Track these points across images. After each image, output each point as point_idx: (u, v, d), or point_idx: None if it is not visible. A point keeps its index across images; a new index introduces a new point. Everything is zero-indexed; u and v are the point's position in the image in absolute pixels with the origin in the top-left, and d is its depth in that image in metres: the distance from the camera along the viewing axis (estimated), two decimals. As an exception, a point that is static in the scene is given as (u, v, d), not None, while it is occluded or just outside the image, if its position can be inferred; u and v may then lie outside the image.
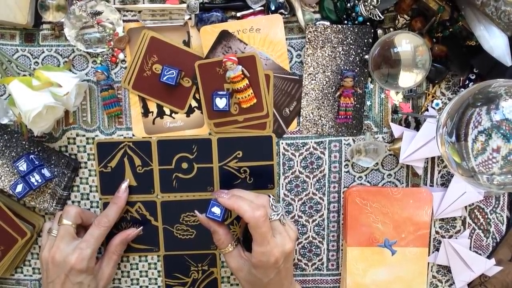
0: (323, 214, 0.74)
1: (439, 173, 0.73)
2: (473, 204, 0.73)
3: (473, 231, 0.74)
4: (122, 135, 0.72)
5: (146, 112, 0.72)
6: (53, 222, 0.69)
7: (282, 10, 0.68)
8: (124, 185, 0.71)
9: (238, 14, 0.68)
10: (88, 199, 0.73)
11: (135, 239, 0.73)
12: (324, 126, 0.72)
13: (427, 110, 0.71)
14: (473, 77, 0.70)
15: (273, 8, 0.67)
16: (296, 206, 0.74)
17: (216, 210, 0.66)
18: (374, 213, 0.71)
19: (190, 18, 0.69)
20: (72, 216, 0.67)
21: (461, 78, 0.71)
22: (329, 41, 0.69)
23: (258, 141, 0.71)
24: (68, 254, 0.65)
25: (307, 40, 0.69)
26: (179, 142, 0.72)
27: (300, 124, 0.72)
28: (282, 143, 0.72)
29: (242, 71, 0.68)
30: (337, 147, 0.72)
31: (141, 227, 0.73)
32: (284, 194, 0.73)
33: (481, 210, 0.74)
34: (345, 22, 0.68)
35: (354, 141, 0.72)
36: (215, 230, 0.66)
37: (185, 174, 0.72)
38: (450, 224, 0.74)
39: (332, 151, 0.72)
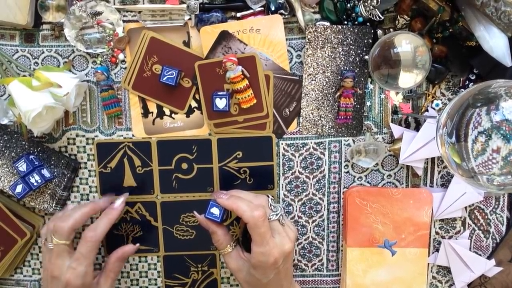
0: (323, 215, 0.74)
1: (439, 173, 0.73)
2: (473, 204, 0.73)
3: (473, 232, 0.74)
4: (122, 135, 0.72)
5: (146, 112, 0.72)
6: (47, 233, 0.66)
7: (282, 11, 0.68)
8: (121, 199, 0.69)
9: (238, 15, 0.68)
10: (87, 199, 0.73)
11: (135, 240, 0.73)
12: (324, 127, 0.72)
13: (427, 110, 0.71)
14: (473, 78, 0.70)
15: (273, 9, 0.67)
16: (296, 206, 0.74)
17: (215, 210, 0.66)
18: (374, 214, 0.71)
19: (190, 19, 0.69)
20: (64, 236, 0.64)
21: (461, 79, 0.71)
22: (329, 42, 0.69)
23: (258, 141, 0.71)
24: (63, 272, 0.63)
25: (307, 40, 0.69)
26: (179, 143, 0.72)
27: (300, 125, 0.72)
28: (282, 144, 0.72)
29: (242, 71, 0.68)
30: (337, 147, 0.72)
31: (138, 244, 0.71)
32: (284, 195, 0.73)
33: (481, 210, 0.74)
34: (345, 22, 0.68)
35: (354, 141, 0.72)
36: (214, 231, 0.66)
37: (185, 174, 0.72)
38: (450, 225, 0.74)
39: (332, 151, 0.72)
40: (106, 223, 0.66)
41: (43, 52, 0.70)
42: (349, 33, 0.68)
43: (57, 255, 0.64)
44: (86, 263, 0.64)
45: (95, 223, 0.66)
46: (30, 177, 0.67)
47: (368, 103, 0.71)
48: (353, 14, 0.67)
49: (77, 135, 0.72)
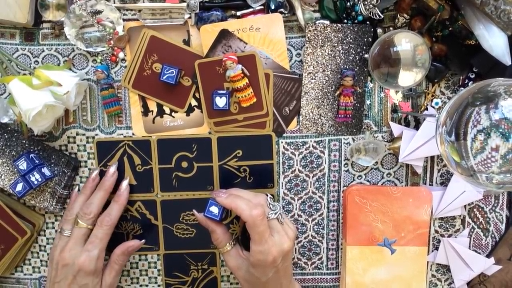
0: (322, 213, 0.74)
1: (438, 172, 0.73)
2: (472, 203, 0.73)
3: (472, 230, 0.74)
4: (122, 134, 0.72)
5: (146, 111, 0.72)
6: (64, 221, 0.68)
7: (282, 9, 0.68)
8: (124, 183, 0.71)
9: (238, 13, 0.69)
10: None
11: (135, 238, 0.73)
12: (324, 125, 0.72)
13: (426, 109, 0.71)
14: (472, 76, 0.70)
15: (273, 7, 0.67)
16: (296, 205, 0.74)
17: (214, 209, 0.66)
18: (374, 212, 0.71)
19: (190, 17, 0.69)
20: (90, 221, 0.67)
21: (461, 77, 0.71)
22: (329, 40, 0.69)
23: (258, 140, 0.72)
24: (77, 256, 0.65)
25: (307, 39, 0.69)
26: (179, 141, 0.72)
27: (300, 123, 0.72)
28: (282, 142, 0.72)
29: (242, 70, 0.68)
30: (337, 146, 0.72)
31: (143, 240, 0.72)
32: (284, 193, 0.73)
33: (480, 209, 0.74)
34: (345, 21, 0.68)
35: (353, 140, 0.72)
36: (213, 229, 0.66)
37: (185, 173, 0.72)
38: (450, 223, 0.74)
39: (331, 150, 0.72)
40: (118, 208, 0.69)
41: (43, 51, 0.70)
42: (349, 31, 0.68)
43: (75, 241, 0.66)
44: (100, 247, 0.66)
45: (108, 209, 0.69)
46: (31, 176, 0.68)
47: (368, 102, 0.72)
48: (353, 13, 0.67)
49: (77, 134, 0.72)
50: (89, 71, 0.71)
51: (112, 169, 0.70)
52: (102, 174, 0.71)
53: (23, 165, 0.68)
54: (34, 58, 0.70)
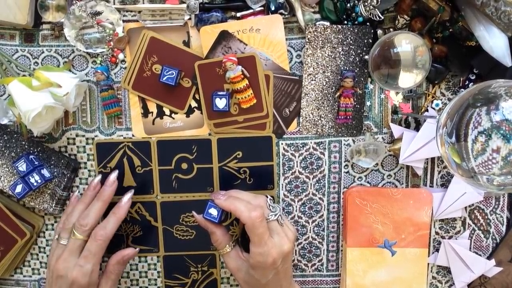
0: (323, 215, 0.74)
1: (439, 173, 0.73)
2: (473, 204, 0.73)
3: (473, 232, 0.74)
4: (122, 135, 0.72)
5: (146, 112, 0.72)
6: (62, 228, 0.66)
7: (282, 11, 0.68)
8: (126, 197, 0.69)
9: (238, 14, 0.68)
10: (87, 199, 0.73)
11: (135, 240, 0.73)
12: (324, 127, 0.72)
13: (427, 110, 0.71)
14: (473, 78, 0.70)
15: (273, 8, 0.67)
16: (296, 206, 0.74)
17: (213, 211, 0.66)
18: (374, 214, 0.71)
19: (190, 18, 0.69)
20: (86, 233, 0.64)
21: (461, 79, 0.71)
22: (329, 42, 0.69)
23: (258, 141, 0.71)
24: (71, 269, 0.63)
25: (307, 40, 0.69)
26: (179, 143, 0.72)
27: (300, 125, 0.72)
28: (282, 144, 0.72)
29: (242, 71, 0.68)
30: (337, 147, 0.72)
31: (138, 248, 0.70)
32: (284, 195, 0.73)
33: (481, 210, 0.73)
34: (345, 22, 0.68)
35: (354, 141, 0.72)
36: (212, 231, 0.66)
37: (184, 174, 0.72)
38: (450, 225, 0.74)
39: (332, 151, 0.72)
40: (115, 222, 0.66)
41: (43, 52, 0.70)
42: (349, 33, 0.68)
43: (70, 252, 0.64)
44: (94, 262, 0.64)
45: (104, 222, 0.66)
46: (30, 177, 0.67)
47: (368, 103, 0.71)
48: (353, 14, 0.67)
49: (77, 135, 0.72)
50: (89, 73, 0.71)
51: (112, 178, 0.68)
52: (101, 175, 0.71)
53: (22, 166, 0.68)
54: (33, 59, 0.70)
